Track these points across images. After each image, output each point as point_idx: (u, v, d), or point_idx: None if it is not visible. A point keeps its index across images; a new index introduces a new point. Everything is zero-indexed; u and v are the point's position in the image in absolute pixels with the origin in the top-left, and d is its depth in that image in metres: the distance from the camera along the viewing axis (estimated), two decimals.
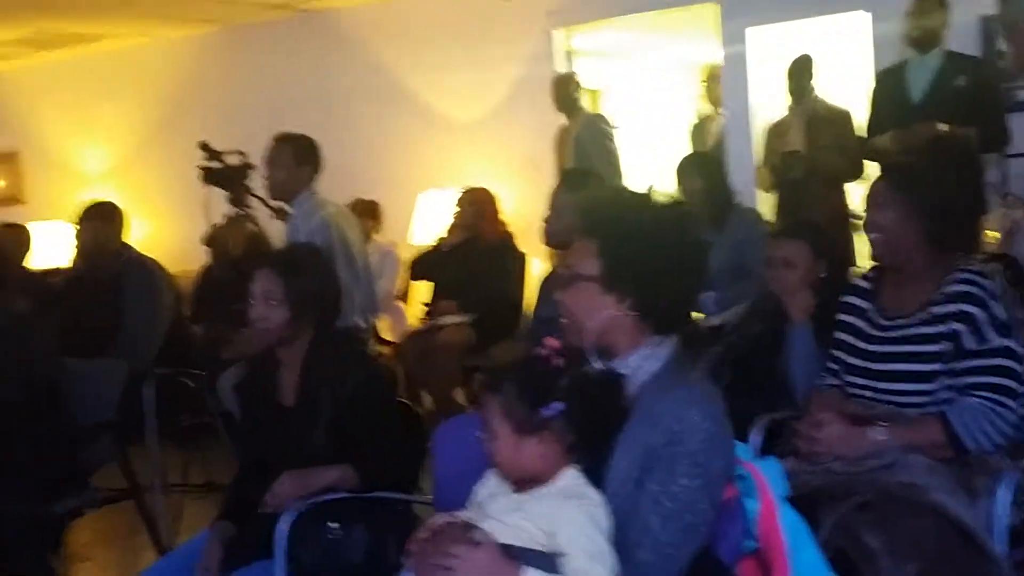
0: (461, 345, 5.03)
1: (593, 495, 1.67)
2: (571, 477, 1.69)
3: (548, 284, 3.46)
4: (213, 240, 5.30)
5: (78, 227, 4.61)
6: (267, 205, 4.35)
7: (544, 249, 5.57)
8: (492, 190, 5.55)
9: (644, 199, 1.85)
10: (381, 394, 2.61)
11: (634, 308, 1.78)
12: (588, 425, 1.70)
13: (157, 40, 7.23)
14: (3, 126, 8.08)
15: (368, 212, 5.90)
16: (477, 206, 5.40)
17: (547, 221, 3.39)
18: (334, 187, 4.38)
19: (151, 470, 4.08)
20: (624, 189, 1.89)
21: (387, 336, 5.68)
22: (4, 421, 2.96)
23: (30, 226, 5.67)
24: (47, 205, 7.58)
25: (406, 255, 5.90)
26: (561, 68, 6.21)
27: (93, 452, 3.42)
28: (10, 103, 8.07)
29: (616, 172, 5.71)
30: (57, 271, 5.39)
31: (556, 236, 3.36)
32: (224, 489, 4.37)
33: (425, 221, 6.25)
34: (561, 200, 3.34)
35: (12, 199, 8.00)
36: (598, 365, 1.77)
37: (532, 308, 3.74)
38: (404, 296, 6.19)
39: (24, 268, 5.15)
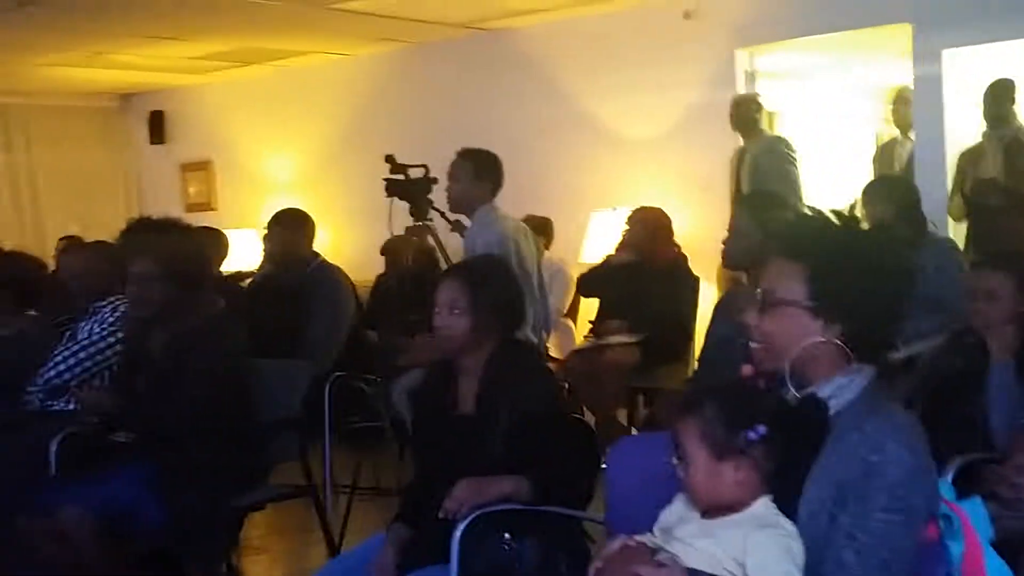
0: (627, 365, 4.98)
1: (787, 526, 1.61)
2: (764, 506, 1.64)
3: (726, 305, 3.39)
4: (391, 250, 5.46)
5: (268, 233, 4.83)
6: (446, 218, 4.45)
7: (714, 271, 5.51)
8: (665, 210, 5.49)
9: (853, 223, 1.79)
10: (559, 408, 2.61)
11: (842, 335, 1.71)
12: (785, 452, 1.65)
13: (346, 57, 7.51)
14: (199, 136, 8.55)
15: (540, 229, 5.95)
16: (648, 226, 5.35)
17: (727, 243, 3.34)
18: (508, 202, 4.44)
19: (323, 470, 4.22)
20: (830, 212, 1.82)
21: (554, 353, 5.70)
22: (196, 417, 3.10)
23: (219, 230, 5.95)
24: (237, 212, 7.98)
25: (575, 273, 5.90)
26: (741, 89, 6.10)
27: (274, 449, 3.55)
28: (206, 115, 8.53)
29: (796, 196, 5.56)
30: (244, 274, 5.64)
31: (736, 258, 3.30)
32: (391, 493, 4.50)
33: (597, 240, 6.24)
34: (743, 222, 3.28)
35: (204, 206, 8.44)
36: (793, 391, 1.71)
37: (702, 330, 3.68)
38: (572, 314, 6.20)
39: (219, 271, 5.40)
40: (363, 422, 4.72)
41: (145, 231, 3.49)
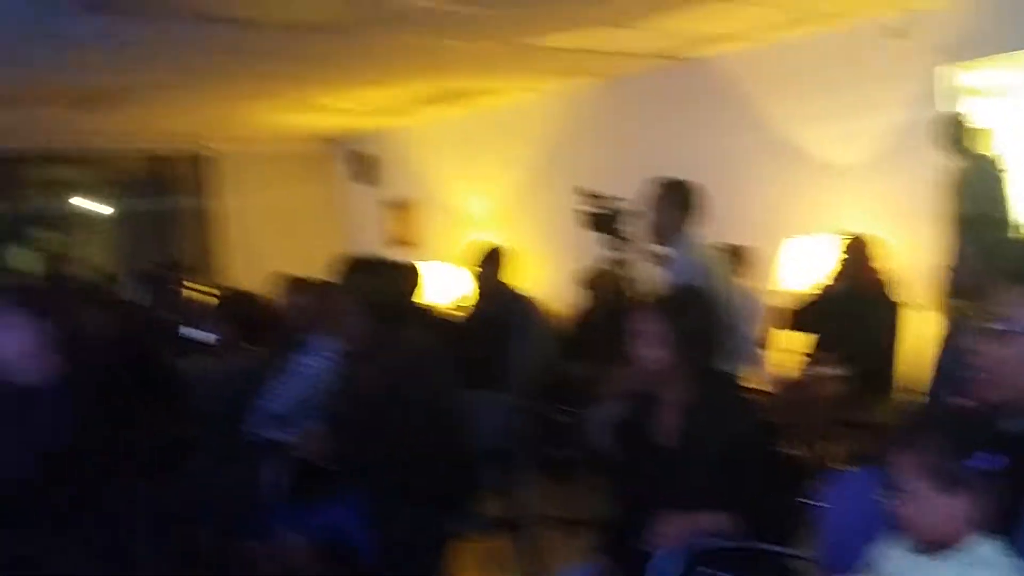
0: (838, 398, 4.81)
1: (1008, 566, 1.51)
2: (983, 543, 1.54)
3: (953, 335, 3.22)
4: (589, 282, 5.49)
5: (480, 270, 4.95)
6: (643, 249, 4.44)
7: (920, 298, 5.25)
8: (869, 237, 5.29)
9: None
10: (767, 442, 2.54)
11: None
12: (1008, 486, 1.55)
13: (541, 93, 7.64)
14: (400, 177, 8.89)
15: (734, 256, 5.83)
16: (860, 253, 5.19)
17: (954, 270, 3.19)
18: (706, 232, 4.38)
19: (524, 502, 4.25)
20: None
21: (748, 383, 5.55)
22: (407, 448, 3.20)
23: (420, 265, 6.13)
24: (435, 248, 8.23)
25: (768, 301, 5.75)
26: (946, 107, 5.81)
27: (479, 478, 3.61)
28: (406, 156, 8.86)
29: (1011, 217, 5.23)
30: (455, 310, 5.80)
31: (963, 285, 3.14)
32: (588, 525, 4.48)
33: (792, 268, 6.07)
34: (967, 248, 3.12)
35: (405, 242, 8.75)
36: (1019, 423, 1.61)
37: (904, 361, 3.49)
38: (763, 343, 6.03)
39: (419, 305, 5.56)
40: (561, 453, 4.74)
41: (350, 271, 3.62)
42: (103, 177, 10.86)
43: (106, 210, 11.92)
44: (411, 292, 3.59)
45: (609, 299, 4.70)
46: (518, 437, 4.07)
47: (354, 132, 8.99)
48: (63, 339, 3.20)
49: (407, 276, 5.14)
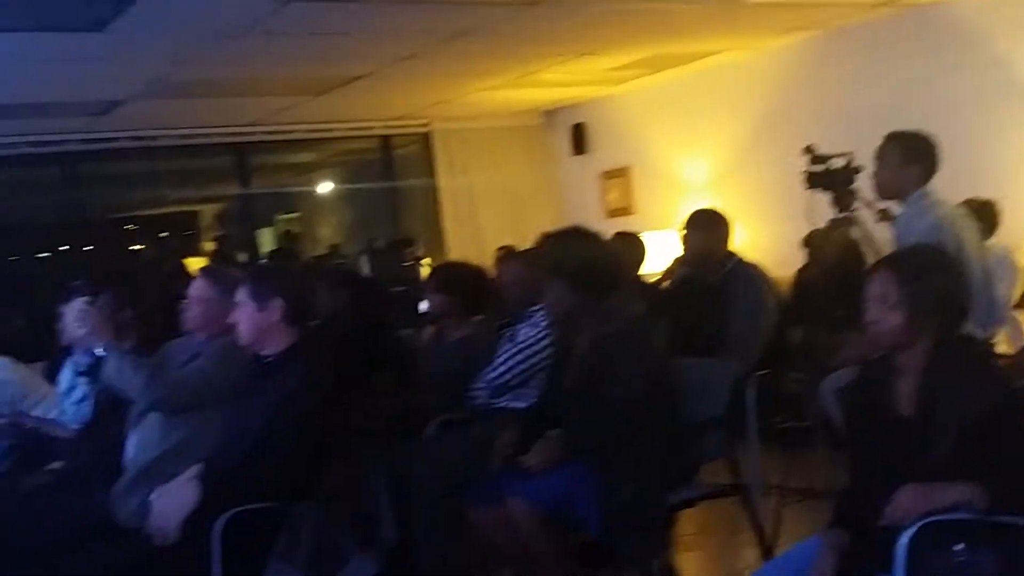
0: None
1: None
2: None
3: None
4: (813, 245, 5.27)
5: (685, 234, 4.87)
6: (873, 207, 4.21)
7: None
8: None
9: None
10: (1016, 411, 2.36)
11: None
12: None
13: (758, 51, 7.39)
14: (618, 144, 8.84)
15: (982, 213, 5.43)
16: None
17: None
18: (945, 187, 4.10)
19: (751, 470, 4.16)
20: None
21: (1004, 349, 5.17)
22: (628, 417, 3.19)
23: (638, 235, 6.09)
24: (654, 216, 8.14)
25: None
26: None
27: (701, 448, 3.56)
28: (624, 123, 8.79)
29: None
30: (664, 276, 5.73)
31: None
32: (822, 496, 4.33)
33: None
34: None
35: (623, 211, 8.70)
36: None
37: None
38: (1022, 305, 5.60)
39: (637, 275, 5.52)
40: (789, 422, 4.59)
41: (553, 243, 3.61)
42: (336, 159, 11.45)
43: (339, 190, 12.58)
44: (613, 262, 3.54)
45: (837, 262, 4.49)
46: (741, 405, 3.98)
47: (569, 103, 9.00)
48: (300, 314, 3.39)
49: (607, 246, 5.12)
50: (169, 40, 5.10)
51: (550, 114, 9.42)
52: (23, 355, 5.28)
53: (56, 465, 4.21)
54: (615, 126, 8.87)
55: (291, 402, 3.21)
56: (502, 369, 4.00)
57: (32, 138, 7.20)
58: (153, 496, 3.23)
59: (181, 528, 3.11)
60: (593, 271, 3.37)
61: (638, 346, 3.28)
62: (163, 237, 11.84)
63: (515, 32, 5.77)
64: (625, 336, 3.30)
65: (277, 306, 3.30)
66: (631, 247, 5.52)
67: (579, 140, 9.14)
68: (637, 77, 7.97)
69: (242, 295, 3.35)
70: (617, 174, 8.88)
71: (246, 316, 3.34)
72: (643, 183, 8.69)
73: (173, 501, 3.16)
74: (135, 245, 11.18)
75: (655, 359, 3.31)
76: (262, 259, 9.30)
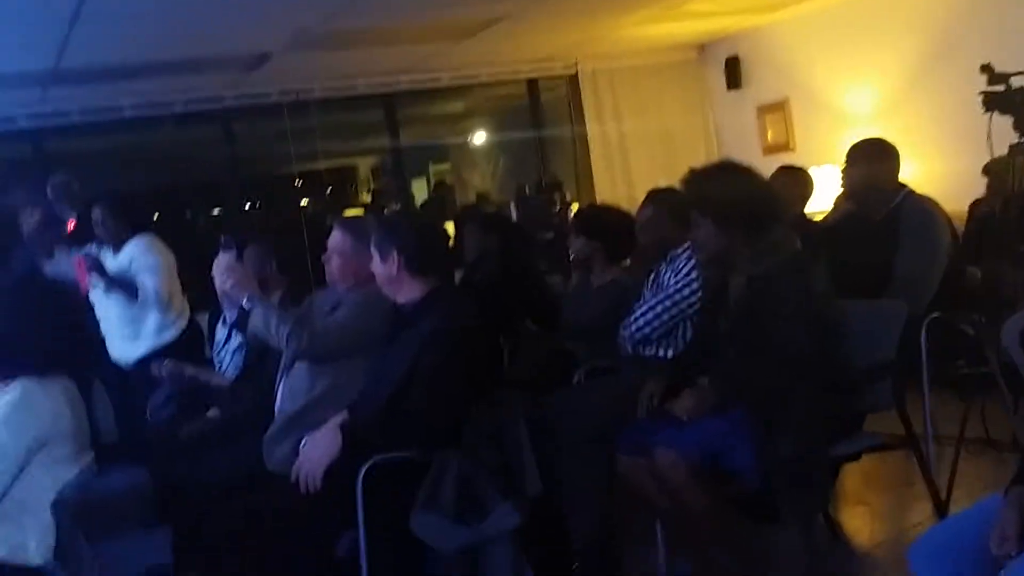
0: None
1: None
2: None
3: None
4: (993, 173, 4.85)
5: (846, 168, 4.55)
6: None
7: None
8: None
9: None
10: None
11: None
12: None
13: None
14: (775, 77, 8.41)
15: None
16: None
17: None
18: None
19: (924, 420, 3.88)
20: None
21: None
22: (789, 362, 2.97)
23: (800, 170, 5.74)
24: (814, 150, 7.71)
25: None
26: None
27: (869, 396, 3.31)
28: (781, 53, 8.35)
29: None
30: (830, 213, 5.39)
31: None
32: (1004, 448, 4.00)
33: None
34: None
35: (781, 147, 8.29)
36: None
37: None
38: None
39: (802, 212, 5.22)
40: (968, 367, 4.25)
41: (699, 178, 3.37)
42: (484, 107, 11.40)
43: (488, 139, 12.55)
44: (769, 198, 3.28)
45: (1021, 191, 4.09)
46: (914, 350, 3.70)
47: (721, 35, 8.61)
48: (423, 264, 3.34)
49: (781, 181, 4.83)
50: None
51: (703, 49, 9.05)
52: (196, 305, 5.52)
53: (213, 413, 4.32)
54: (771, 57, 8.44)
55: (427, 350, 3.16)
56: (641, 322, 3.85)
57: (187, 95, 7.38)
58: (302, 443, 3.25)
59: (326, 476, 3.11)
60: (744, 207, 3.14)
61: (798, 287, 3.05)
62: (323, 191, 12.11)
63: None
64: (783, 276, 3.08)
65: (395, 257, 3.31)
66: (795, 182, 5.21)
67: (733, 74, 8.75)
68: (795, 2, 7.51)
69: (371, 246, 3.38)
70: (775, 108, 8.46)
71: (375, 266, 3.39)
72: (803, 117, 8.25)
73: (318, 448, 3.16)
74: (298, 200, 11.48)
75: (817, 300, 3.07)
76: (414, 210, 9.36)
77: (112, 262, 5.18)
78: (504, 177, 12.02)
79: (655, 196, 4.22)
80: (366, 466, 3.05)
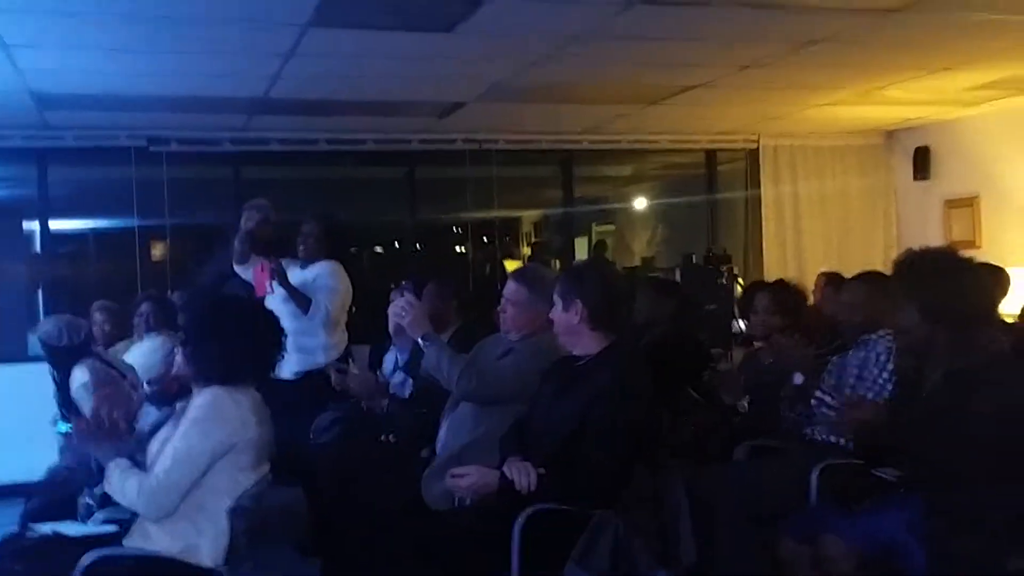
0: None
1: None
2: None
3: None
4: None
5: None
6: None
7: None
8: None
9: None
10: None
11: None
12: None
13: None
14: (965, 170, 8.12)
15: None
16: None
17: None
18: None
19: None
20: None
21: None
22: (975, 458, 2.83)
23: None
24: (1004, 250, 7.39)
25: None
26: None
27: None
28: (968, 148, 8.07)
29: None
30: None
31: None
32: None
33: None
34: None
35: (968, 244, 7.95)
36: None
37: None
38: None
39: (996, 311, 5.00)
40: None
41: (914, 264, 3.17)
42: (654, 173, 11.39)
43: (654, 205, 12.53)
44: (983, 293, 3.13)
45: None
46: None
47: (909, 123, 8.39)
48: (605, 319, 3.33)
49: (984, 277, 4.64)
50: (514, 43, 5.20)
51: (890, 135, 8.83)
52: (353, 337, 5.65)
53: (383, 438, 4.42)
54: (963, 151, 8.16)
55: (600, 404, 3.15)
56: (829, 397, 3.73)
57: (378, 134, 7.65)
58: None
59: (484, 517, 3.13)
60: (958, 304, 2.97)
61: (997, 385, 2.89)
62: (487, 241, 12.32)
63: (870, 43, 5.38)
64: (980, 374, 2.92)
65: (579, 308, 3.30)
66: (995, 280, 5.01)
67: (922, 164, 8.49)
68: (991, 100, 7.26)
69: (555, 294, 3.40)
70: (963, 203, 8.16)
71: (555, 315, 3.39)
72: (992, 214, 7.92)
73: (480, 474, 3.17)
74: (460, 246, 11.69)
75: (1016, 401, 2.91)
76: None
77: (296, 275, 5.31)
78: (667, 244, 11.96)
79: (867, 276, 4.06)
80: (526, 513, 3.05)
